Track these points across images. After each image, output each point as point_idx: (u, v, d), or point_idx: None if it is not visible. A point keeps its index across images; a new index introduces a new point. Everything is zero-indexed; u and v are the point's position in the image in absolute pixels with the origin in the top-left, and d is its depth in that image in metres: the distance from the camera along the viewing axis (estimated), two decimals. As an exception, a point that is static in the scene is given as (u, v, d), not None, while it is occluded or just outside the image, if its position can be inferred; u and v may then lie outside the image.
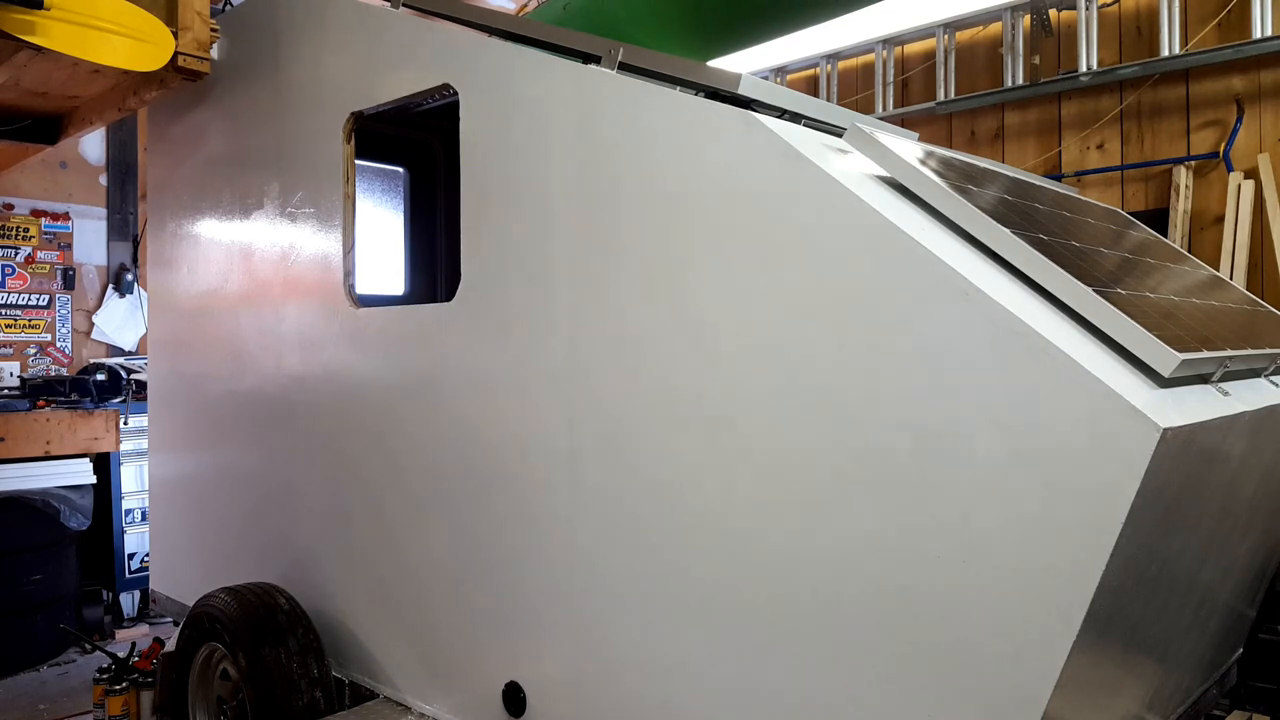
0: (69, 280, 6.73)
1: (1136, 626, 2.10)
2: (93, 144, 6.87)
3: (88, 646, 5.52)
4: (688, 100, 2.39)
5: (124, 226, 7.00)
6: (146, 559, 5.96)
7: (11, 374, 6.33)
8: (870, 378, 1.98)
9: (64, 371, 6.59)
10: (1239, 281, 4.81)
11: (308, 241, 3.53)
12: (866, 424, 1.99)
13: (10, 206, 6.48)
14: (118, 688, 4.08)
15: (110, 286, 6.92)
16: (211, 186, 4.08)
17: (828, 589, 2.06)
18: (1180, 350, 1.83)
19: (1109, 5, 5.35)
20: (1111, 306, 1.86)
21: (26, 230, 6.54)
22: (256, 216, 3.79)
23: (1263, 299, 4.64)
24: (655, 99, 2.40)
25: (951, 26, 5.95)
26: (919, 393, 1.91)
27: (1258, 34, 4.81)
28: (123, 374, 6.27)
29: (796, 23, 5.07)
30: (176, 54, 3.57)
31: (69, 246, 6.75)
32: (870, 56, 6.41)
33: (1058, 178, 5.35)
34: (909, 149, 2.32)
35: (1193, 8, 5.08)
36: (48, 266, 6.64)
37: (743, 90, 2.83)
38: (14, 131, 4.69)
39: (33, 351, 6.55)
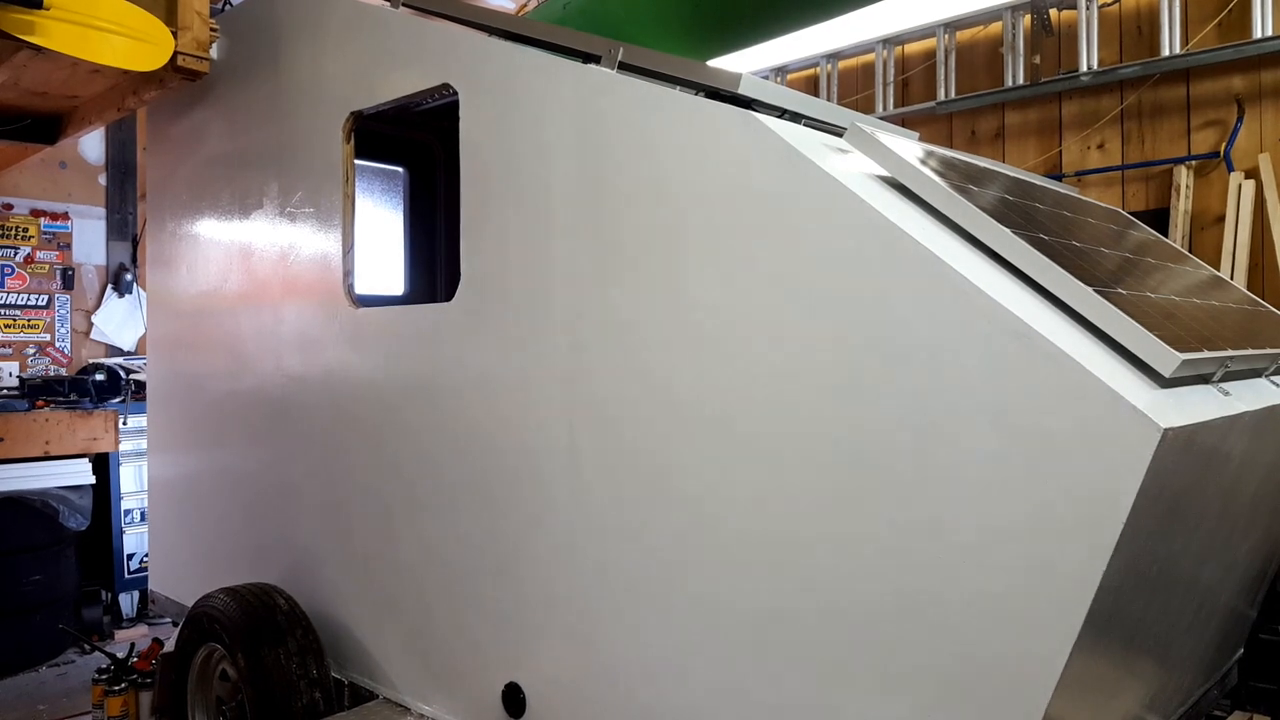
0: (68, 280, 6.72)
1: (1137, 627, 2.09)
2: (92, 144, 6.86)
3: (87, 647, 5.51)
4: (688, 100, 2.38)
5: (123, 226, 6.99)
6: (146, 559, 5.95)
7: (11, 374, 6.32)
8: (870, 378, 1.98)
9: (63, 371, 6.58)
10: (1239, 281, 4.81)
11: (307, 241, 3.52)
12: (866, 424, 1.98)
13: (10, 206, 6.47)
14: (117, 688, 4.07)
15: (109, 286, 6.91)
16: (211, 186, 4.07)
17: (827, 590, 2.05)
18: (1181, 350, 1.83)
19: (1109, 5, 5.35)
20: (1112, 306, 1.86)
21: (26, 230, 6.53)
22: (256, 216, 3.79)
23: (1263, 299, 4.64)
24: (655, 99, 2.40)
25: (952, 26, 5.95)
26: (919, 393, 1.90)
27: (1258, 34, 4.80)
28: (122, 374, 6.27)
29: (796, 23, 5.07)
30: (176, 54, 3.57)
31: (68, 246, 6.74)
32: (870, 56, 6.40)
33: (1058, 178, 5.34)
34: (909, 149, 2.31)
35: (1193, 7, 5.08)
36: (47, 266, 6.63)
37: (743, 90, 2.83)
38: (13, 131, 4.69)
39: (32, 351, 6.54)
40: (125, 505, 6.19)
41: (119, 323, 6.92)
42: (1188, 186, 5.06)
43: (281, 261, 3.65)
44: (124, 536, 6.19)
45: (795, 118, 2.92)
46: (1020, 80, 5.62)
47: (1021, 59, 5.62)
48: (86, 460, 5.88)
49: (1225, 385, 2.07)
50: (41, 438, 5.69)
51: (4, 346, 6.42)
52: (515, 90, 2.74)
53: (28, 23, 3.17)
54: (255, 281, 3.79)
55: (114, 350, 6.90)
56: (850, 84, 6.58)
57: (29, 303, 6.54)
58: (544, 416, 2.65)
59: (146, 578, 5.08)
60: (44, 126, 4.77)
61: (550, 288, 2.64)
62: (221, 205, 4.00)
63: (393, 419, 3.16)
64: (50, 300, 6.64)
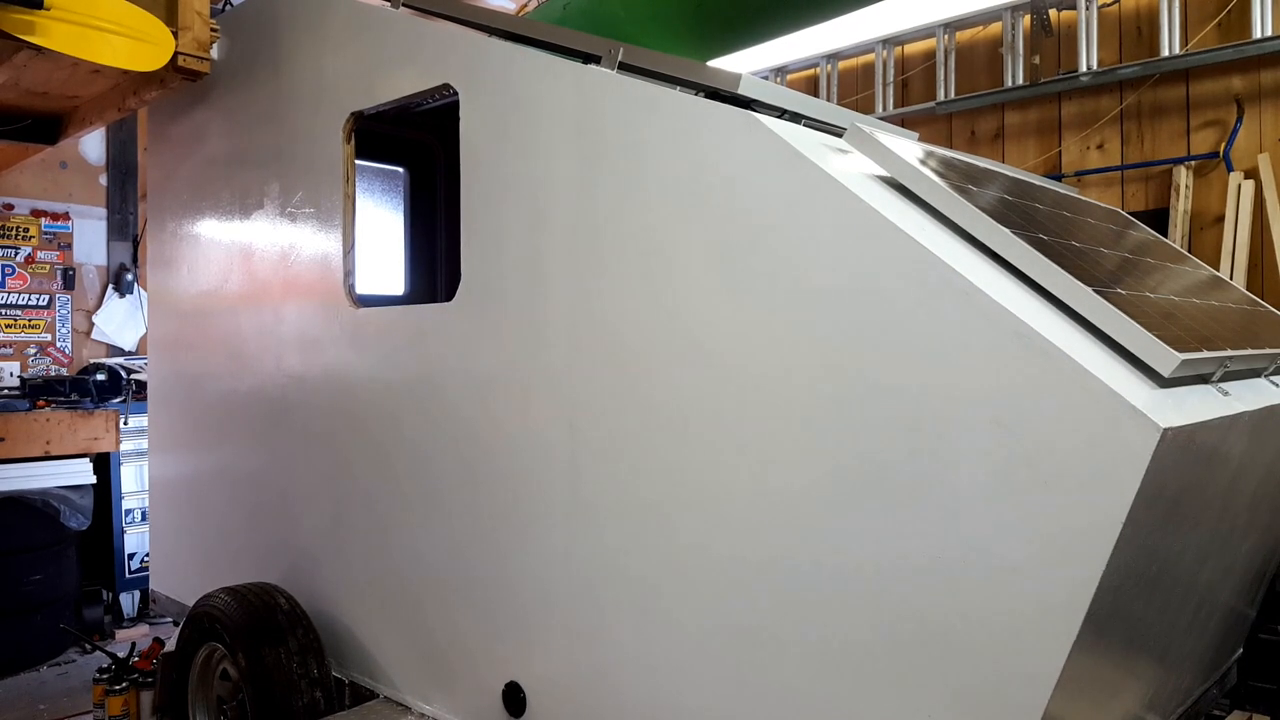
0: (69, 280, 6.72)
1: (1136, 626, 2.10)
2: (93, 144, 6.87)
3: (88, 646, 5.52)
4: (688, 100, 2.39)
5: (124, 226, 7.00)
6: (146, 559, 5.96)
7: (11, 374, 6.33)
8: (869, 378, 1.98)
9: (64, 371, 6.59)
10: (1239, 281, 4.81)
11: (307, 241, 3.52)
12: (865, 425, 1.99)
13: (10, 206, 6.48)
14: (118, 688, 4.08)
15: (110, 286, 6.92)
16: (211, 186, 4.07)
17: (826, 590, 2.06)
18: (1180, 350, 1.83)
19: (1109, 5, 5.35)
20: (1112, 306, 1.86)
21: (26, 230, 6.54)
22: (256, 216, 3.79)
23: (1263, 299, 4.64)
24: (655, 99, 2.40)
25: (951, 26, 5.95)
26: (918, 393, 1.91)
27: (1258, 34, 4.80)
28: (123, 374, 6.27)
29: (796, 23, 5.07)
30: (176, 54, 3.57)
31: (69, 246, 6.75)
32: (870, 56, 6.40)
33: (1058, 178, 5.35)
34: (909, 149, 2.31)
35: (1193, 8, 5.08)
36: (48, 266, 6.64)
37: (743, 90, 2.83)
38: (14, 131, 4.70)
39: (33, 351, 6.55)
40: (126, 505, 6.20)
41: (120, 323, 6.93)
42: (1187, 186, 5.06)
43: (282, 261, 3.65)
44: (125, 536, 6.20)
45: (795, 118, 2.92)
46: (1020, 80, 5.62)
47: (1021, 59, 5.62)
48: (87, 460, 5.89)
49: (1224, 385, 2.07)
50: (42, 437, 5.70)
51: (5, 346, 6.42)
52: (515, 90, 2.74)
53: (28, 23, 3.18)
54: (256, 281, 3.80)
55: (115, 350, 6.91)
56: (850, 84, 6.58)
57: (30, 303, 6.55)
58: (543, 416, 2.65)
59: (147, 577, 5.08)
60: (44, 126, 4.77)
61: (550, 288, 2.64)
62: (222, 205, 4.00)
63: (393, 418, 3.16)
64: (51, 300, 6.65)
